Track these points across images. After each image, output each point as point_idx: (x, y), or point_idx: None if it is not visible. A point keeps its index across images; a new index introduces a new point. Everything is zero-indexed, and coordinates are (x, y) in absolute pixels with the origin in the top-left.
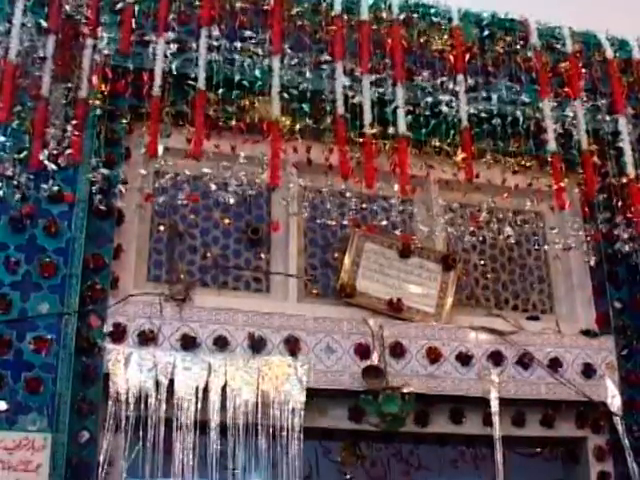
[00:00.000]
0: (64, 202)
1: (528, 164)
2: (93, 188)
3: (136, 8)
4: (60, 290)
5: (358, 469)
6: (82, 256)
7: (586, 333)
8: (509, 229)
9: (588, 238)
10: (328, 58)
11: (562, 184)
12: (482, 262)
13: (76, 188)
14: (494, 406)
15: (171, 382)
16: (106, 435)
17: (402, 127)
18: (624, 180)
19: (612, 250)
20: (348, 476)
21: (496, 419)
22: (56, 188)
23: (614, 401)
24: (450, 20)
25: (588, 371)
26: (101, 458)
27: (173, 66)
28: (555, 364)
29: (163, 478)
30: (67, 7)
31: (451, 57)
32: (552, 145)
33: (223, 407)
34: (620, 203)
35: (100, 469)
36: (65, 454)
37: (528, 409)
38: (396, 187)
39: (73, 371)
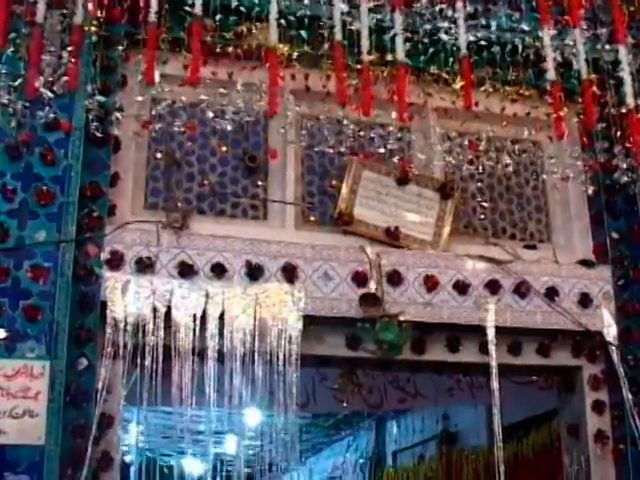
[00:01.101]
0: (60, 130)
1: (527, 93)
2: (89, 116)
3: None
4: (57, 218)
5: (355, 396)
6: (79, 184)
7: (583, 263)
8: (507, 158)
9: (586, 168)
10: None
11: (561, 113)
12: (480, 191)
13: (72, 116)
14: (490, 334)
15: (169, 309)
16: (104, 362)
17: (400, 54)
18: (623, 110)
19: (610, 180)
20: (345, 403)
21: (492, 347)
22: (52, 116)
23: (610, 331)
24: None
25: (584, 301)
26: (99, 385)
27: None
28: (552, 293)
29: (161, 405)
30: None
31: None
32: (551, 74)
33: (220, 334)
34: (619, 133)
35: (98, 396)
36: (63, 381)
37: (524, 338)
38: (394, 115)
39: (71, 299)
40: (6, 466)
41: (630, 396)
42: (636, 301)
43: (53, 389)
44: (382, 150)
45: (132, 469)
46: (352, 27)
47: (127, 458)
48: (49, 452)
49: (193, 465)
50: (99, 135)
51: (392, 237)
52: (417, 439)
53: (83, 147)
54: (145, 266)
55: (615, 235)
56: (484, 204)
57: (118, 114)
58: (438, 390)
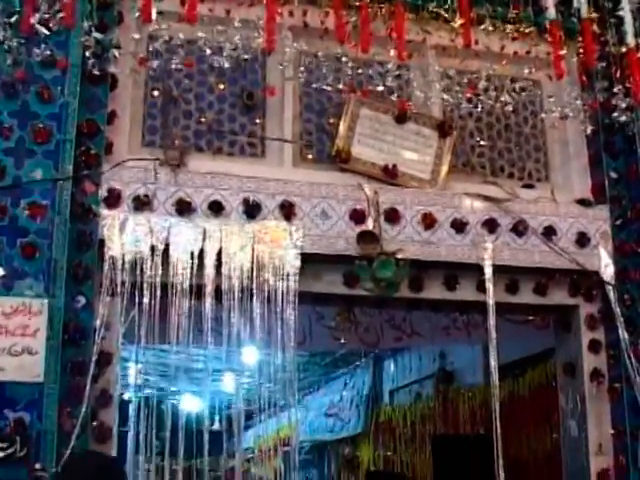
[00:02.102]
0: (57, 67)
1: (527, 31)
2: (86, 53)
3: None
4: (54, 156)
5: (351, 335)
6: (76, 122)
7: (581, 202)
8: (506, 97)
9: (585, 107)
10: None
11: (561, 52)
12: (478, 129)
13: (69, 53)
14: (488, 273)
15: (166, 247)
16: (102, 300)
17: None
18: (623, 49)
19: (609, 120)
20: (342, 341)
21: (490, 286)
22: (48, 53)
23: (607, 270)
24: None
25: (582, 240)
26: (97, 323)
27: None
28: (549, 232)
29: (159, 343)
30: None
31: None
32: (551, 12)
33: (218, 272)
34: (619, 72)
35: (96, 334)
36: (62, 319)
37: (522, 277)
38: (392, 52)
39: (68, 237)
40: (5, 403)
41: (626, 335)
42: (633, 241)
43: (51, 327)
44: (380, 88)
45: (130, 407)
46: None
47: (125, 396)
48: (48, 389)
49: (191, 403)
50: (96, 73)
51: (390, 175)
52: (414, 377)
53: (80, 85)
54: (142, 204)
55: (613, 175)
56: (482, 143)
57: (115, 51)
58: (434, 329)
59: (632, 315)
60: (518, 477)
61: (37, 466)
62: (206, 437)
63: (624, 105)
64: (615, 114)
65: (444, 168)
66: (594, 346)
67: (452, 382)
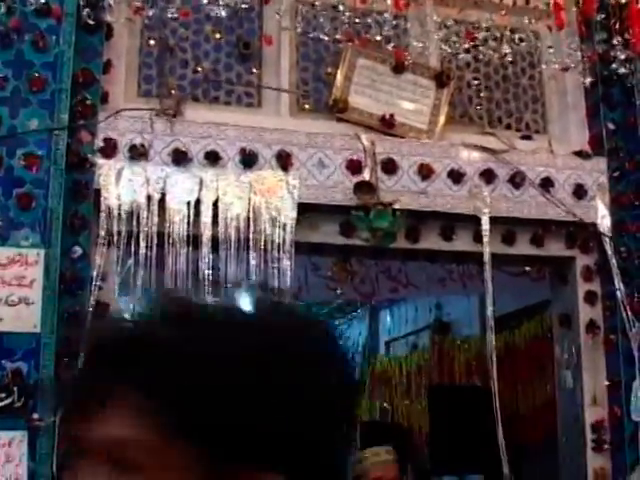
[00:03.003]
0: (51, 16)
1: None
2: (81, 2)
3: None
4: (49, 105)
5: (347, 285)
6: (71, 71)
7: (578, 154)
8: (505, 47)
9: (584, 59)
10: None
11: (560, 2)
12: (476, 80)
13: (63, 1)
14: (484, 224)
15: (163, 197)
16: (98, 250)
17: None
18: (623, 0)
19: (608, 71)
20: (338, 291)
21: (486, 237)
22: (43, 1)
23: (604, 222)
24: None
25: (579, 192)
26: (94, 273)
27: None
28: (547, 184)
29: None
30: None
31: None
32: None
33: (215, 222)
34: (618, 24)
35: (93, 284)
36: (58, 269)
37: (518, 228)
38: (390, 1)
39: (64, 187)
40: (3, 354)
41: (622, 287)
42: (630, 193)
43: (48, 277)
44: (378, 37)
45: None
46: None
47: None
48: (45, 339)
49: None
50: (91, 22)
51: (387, 125)
52: (410, 329)
53: (75, 34)
54: (139, 153)
55: (611, 126)
56: (480, 93)
57: (110, 0)
58: (430, 280)
59: (628, 267)
60: (513, 428)
61: (35, 416)
62: None
63: (623, 57)
64: (614, 66)
65: (441, 119)
66: (590, 298)
67: (448, 333)
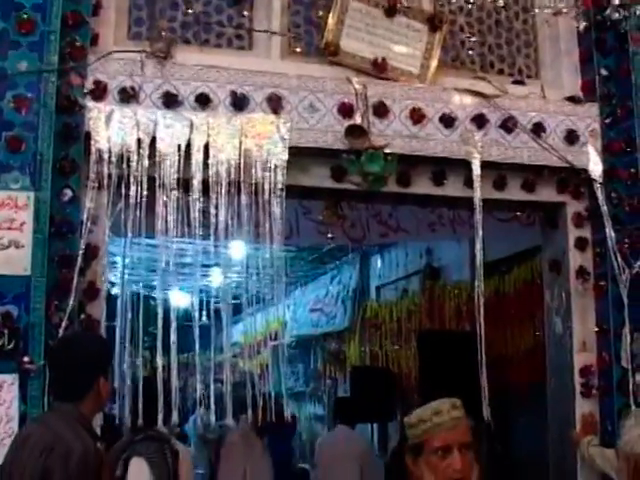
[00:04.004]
0: None
1: None
2: None
3: None
4: (39, 47)
5: (338, 229)
6: (60, 13)
7: (571, 99)
8: None
9: (578, 3)
10: None
11: None
12: (469, 24)
13: None
14: (476, 169)
15: (153, 140)
16: (89, 193)
17: None
18: None
19: (601, 17)
20: (329, 235)
21: (477, 181)
22: None
23: (595, 168)
24: None
25: (571, 137)
26: (84, 216)
27: None
28: (538, 129)
29: (146, 237)
30: None
31: None
32: None
33: (205, 165)
34: None
35: (83, 227)
36: (48, 212)
37: (509, 173)
38: None
39: (54, 130)
40: None
41: (612, 233)
42: (622, 139)
43: (38, 220)
44: None
45: (118, 301)
46: None
47: (113, 291)
48: (35, 282)
49: (179, 298)
50: None
51: (379, 69)
52: (401, 274)
53: None
54: (129, 96)
55: (604, 72)
56: (473, 38)
57: None
58: (420, 225)
59: (619, 213)
60: (502, 373)
61: (25, 359)
62: (196, 332)
63: (617, 2)
64: (607, 11)
65: (434, 63)
66: (580, 244)
67: (438, 278)
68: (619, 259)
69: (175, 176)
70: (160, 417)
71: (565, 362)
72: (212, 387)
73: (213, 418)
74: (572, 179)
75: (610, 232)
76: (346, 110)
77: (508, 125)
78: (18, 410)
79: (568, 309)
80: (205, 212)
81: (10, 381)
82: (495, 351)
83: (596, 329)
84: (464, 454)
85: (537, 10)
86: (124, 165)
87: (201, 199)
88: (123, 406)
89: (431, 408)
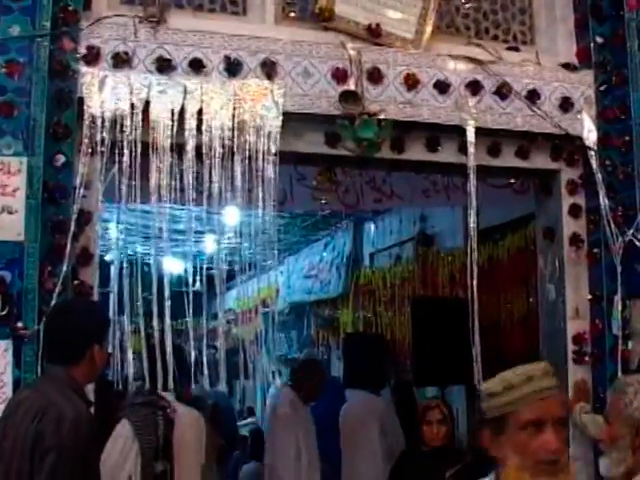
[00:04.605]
0: None
1: None
2: None
3: None
4: (31, 12)
5: (332, 196)
6: None
7: (566, 66)
8: None
9: None
10: None
11: None
12: None
13: None
14: (470, 135)
15: (146, 105)
16: (82, 159)
17: None
18: None
19: None
20: (323, 201)
21: (471, 148)
22: None
23: (590, 135)
24: None
25: (565, 104)
26: (77, 181)
27: None
28: (533, 96)
29: (140, 204)
30: None
31: None
32: None
33: (199, 131)
34: None
35: (76, 192)
36: (41, 178)
37: (504, 140)
38: None
39: (47, 95)
40: None
41: (606, 201)
42: (617, 106)
43: (31, 186)
44: None
45: (112, 268)
46: None
47: (107, 257)
48: (29, 248)
49: (173, 264)
50: None
51: (373, 34)
52: (394, 240)
53: None
54: (122, 61)
55: (599, 39)
56: (468, 4)
57: None
58: (414, 191)
59: (613, 181)
60: (495, 340)
61: (19, 324)
62: (190, 298)
63: None
64: None
65: (428, 28)
66: (574, 211)
67: (432, 245)
68: (612, 226)
69: (168, 142)
70: (160, 382)
71: (558, 329)
72: (204, 353)
73: (207, 383)
74: (566, 146)
75: (604, 199)
76: (340, 76)
77: (503, 92)
78: (12, 376)
79: (561, 276)
80: (198, 178)
81: (4, 347)
82: (488, 318)
83: (589, 296)
84: (559, 431)
85: None
86: (117, 130)
87: (195, 165)
88: (119, 371)
89: (522, 373)
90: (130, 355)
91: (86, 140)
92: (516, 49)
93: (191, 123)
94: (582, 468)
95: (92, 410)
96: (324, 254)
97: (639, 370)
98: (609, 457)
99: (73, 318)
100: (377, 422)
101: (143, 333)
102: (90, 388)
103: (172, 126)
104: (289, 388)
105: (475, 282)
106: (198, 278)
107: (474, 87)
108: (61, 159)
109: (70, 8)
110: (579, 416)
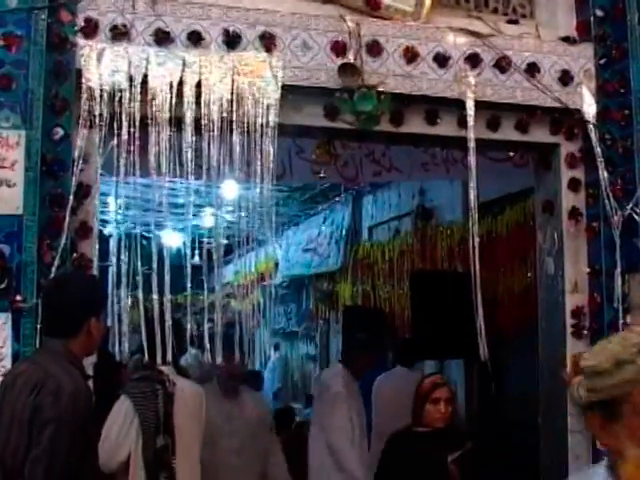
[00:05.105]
0: None
1: None
2: None
3: None
4: None
5: (331, 169)
6: None
7: (565, 40)
8: None
9: None
10: None
11: None
12: None
13: None
14: (469, 108)
15: (145, 78)
16: (80, 132)
17: None
18: None
19: None
20: (322, 174)
21: (471, 121)
22: None
23: (589, 109)
24: None
25: (565, 78)
26: (76, 154)
27: None
28: (532, 69)
29: (139, 177)
30: None
31: None
32: None
33: (197, 103)
34: None
35: (75, 165)
36: (39, 151)
37: (503, 113)
38: None
39: (45, 68)
40: None
41: (606, 175)
42: (616, 80)
43: (29, 159)
44: None
45: (111, 241)
46: None
47: (106, 231)
48: (27, 221)
49: (171, 238)
50: None
51: (373, 7)
52: (393, 214)
53: None
54: (120, 33)
55: (599, 13)
56: None
57: None
58: (413, 164)
59: (612, 155)
60: (494, 314)
61: (18, 298)
62: (188, 271)
63: None
64: None
65: (427, 1)
66: (573, 184)
67: (431, 219)
68: (612, 200)
69: (167, 114)
70: (159, 355)
71: (557, 303)
72: (205, 327)
73: (208, 356)
74: (566, 120)
75: (603, 173)
76: (339, 48)
77: (502, 65)
78: (11, 349)
79: (560, 250)
80: (197, 151)
81: (3, 320)
82: (487, 292)
83: (588, 270)
84: None
85: None
86: (115, 103)
87: (193, 137)
88: (118, 344)
89: (630, 343)
90: (126, 328)
91: (84, 113)
92: (516, 22)
93: (189, 96)
94: (581, 441)
95: (91, 383)
96: (323, 228)
97: None
98: None
99: (70, 291)
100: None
101: (142, 306)
102: (91, 361)
103: (170, 99)
104: (341, 365)
105: (477, 256)
106: (197, 252)
107: (473, 60)
108: (59, 132)
109: None
110: (577, 390)
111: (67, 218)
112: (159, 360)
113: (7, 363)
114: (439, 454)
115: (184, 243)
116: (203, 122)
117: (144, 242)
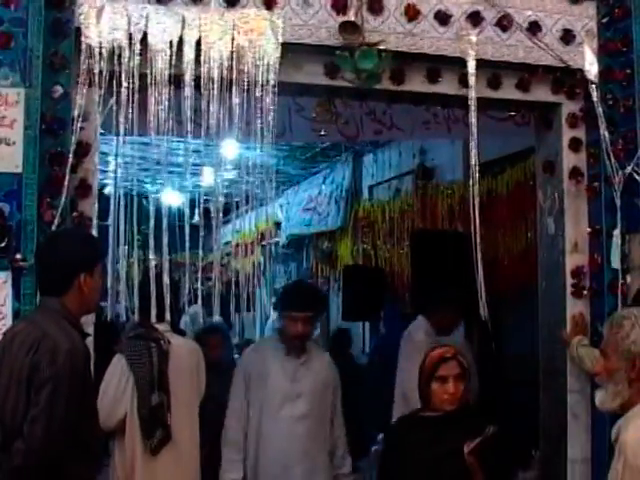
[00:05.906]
0: None
1: None
2: None
3: None
4: None
5: (331, 127)
6: None
7: None
8: None
9: None
10: None
11: None
12: None
13: None
14: (470, 67)
15: (144, 36)
16: (79, 90)
17: None
18: None
19: None
20: (322, 132)
21: (472, 79)
22: None
23: (591, 68)
24: None
25: (567, 37)
26: (75, 113)
27: None
28: (534, 28)
29: (138, 135)
30: None
31: None
32: None
33: (197, 61)
34: None
35: (75, 123)
36: (39, 109)
37: (504, 72)
38: None
39: (44, 25)
40: None
41: (607, 135)
42: (619, 39)
43: (29, 117)
44: None
45: (111, 200)
46: None
47: (106, 190)
48: (27, 180)
49: (171, 197)
50: None
51: None
52: (393, 173)
53: None
54: None
55: None
56: None
57: None
58: (414, 123)
59: (613, 114)
60: (493, 273)
61: (18, 256)
62: (187, 231)
63: None
64: None
65: None
66: (575, 144)
67: (431, 178)
68: (613, 160)
69: (167, 72)
70: (153, 313)
71: (557, 263)
72: (200, 285)
73: (201, 316)
74: (567, 79)
75: (604, 133)
76: (340, 6)
77: (503, 23)
78: (12, 307)
79: (561, 210)
80: (197, 110)
81: (3, 279)
82: (487, 252)
83: (588, 230)
84: None
85: None
86: (115, 61)
87: (193, 96)
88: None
89: None
90: (123, 287)
91: (84, 71)
92: None
93: (189, 54)
94: (579, 401)
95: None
96: (323, 187)
97: (636, 303)
98: (605, 390)
99: (58, 247)
100: None
101: (140, 265)
102: (90, 320)
103: (170, 57)
104: (424, 318)
105: (477, 216)
106: (196, 211)
107: (475, 18)
108: (59, 90)
109: None
110: (576, 350)
111: (67, 176)
112: (153, 319)
113: (8, 322)
114: (452, 443)
115: (183, 202)
116: (203, 80)
117: (144, 202)
